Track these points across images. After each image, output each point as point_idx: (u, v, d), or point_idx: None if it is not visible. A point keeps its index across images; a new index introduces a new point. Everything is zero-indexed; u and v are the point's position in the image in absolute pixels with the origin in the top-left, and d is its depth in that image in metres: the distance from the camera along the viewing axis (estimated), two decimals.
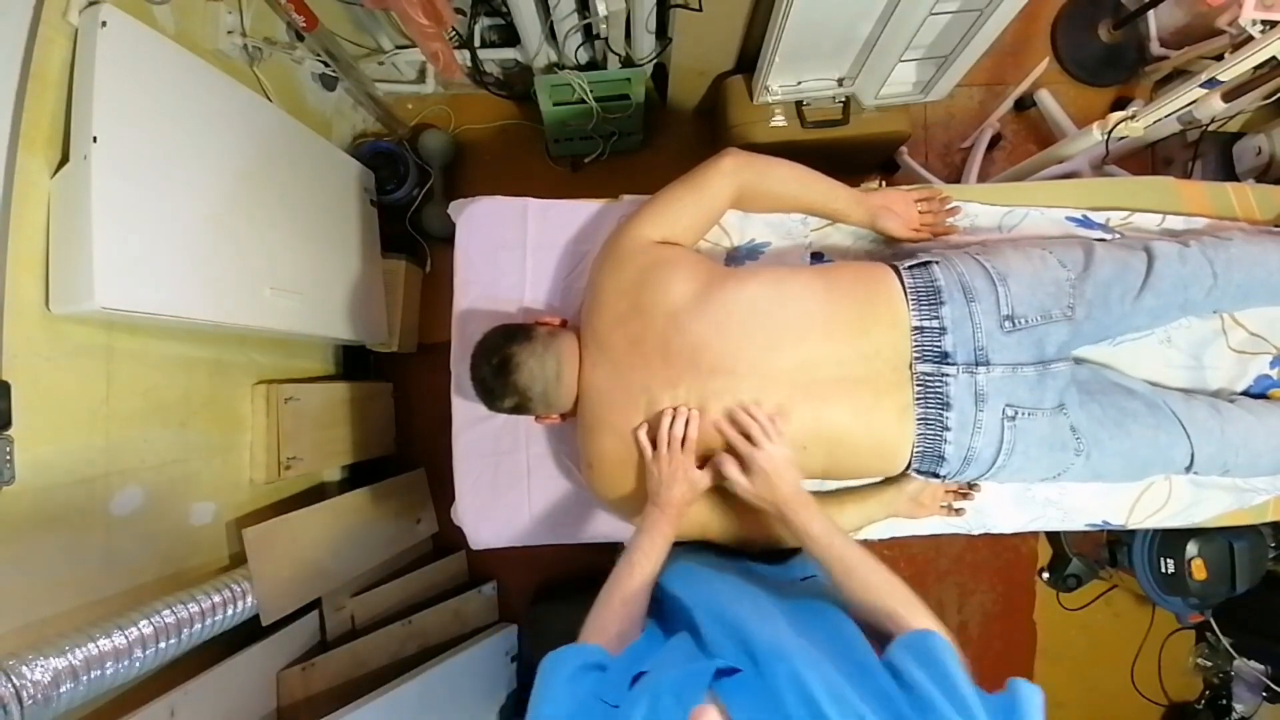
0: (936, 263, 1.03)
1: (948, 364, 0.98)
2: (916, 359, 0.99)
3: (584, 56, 1.86)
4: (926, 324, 0.99)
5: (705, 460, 1.00)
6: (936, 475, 1.04)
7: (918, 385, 0.99)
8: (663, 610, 0.90)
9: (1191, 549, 1.70)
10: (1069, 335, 1.01)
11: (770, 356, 0.98)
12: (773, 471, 0.92)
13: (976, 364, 0.98)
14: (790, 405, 0.97)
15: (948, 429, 0.98)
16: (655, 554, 0.92)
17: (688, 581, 0.91)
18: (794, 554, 1.10)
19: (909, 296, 1.01)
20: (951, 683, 0.66)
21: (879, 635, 0.78)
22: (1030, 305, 1.00)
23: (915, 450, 1.01)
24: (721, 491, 1.04)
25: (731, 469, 0.96)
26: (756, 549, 1.10)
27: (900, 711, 0.64)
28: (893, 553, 2.16)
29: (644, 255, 1.05)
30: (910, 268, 1.04)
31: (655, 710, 0.62)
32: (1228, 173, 1.90)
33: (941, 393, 0.98)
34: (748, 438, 0.95)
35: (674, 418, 0.97)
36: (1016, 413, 0.98)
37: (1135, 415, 1.05)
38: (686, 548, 1.07)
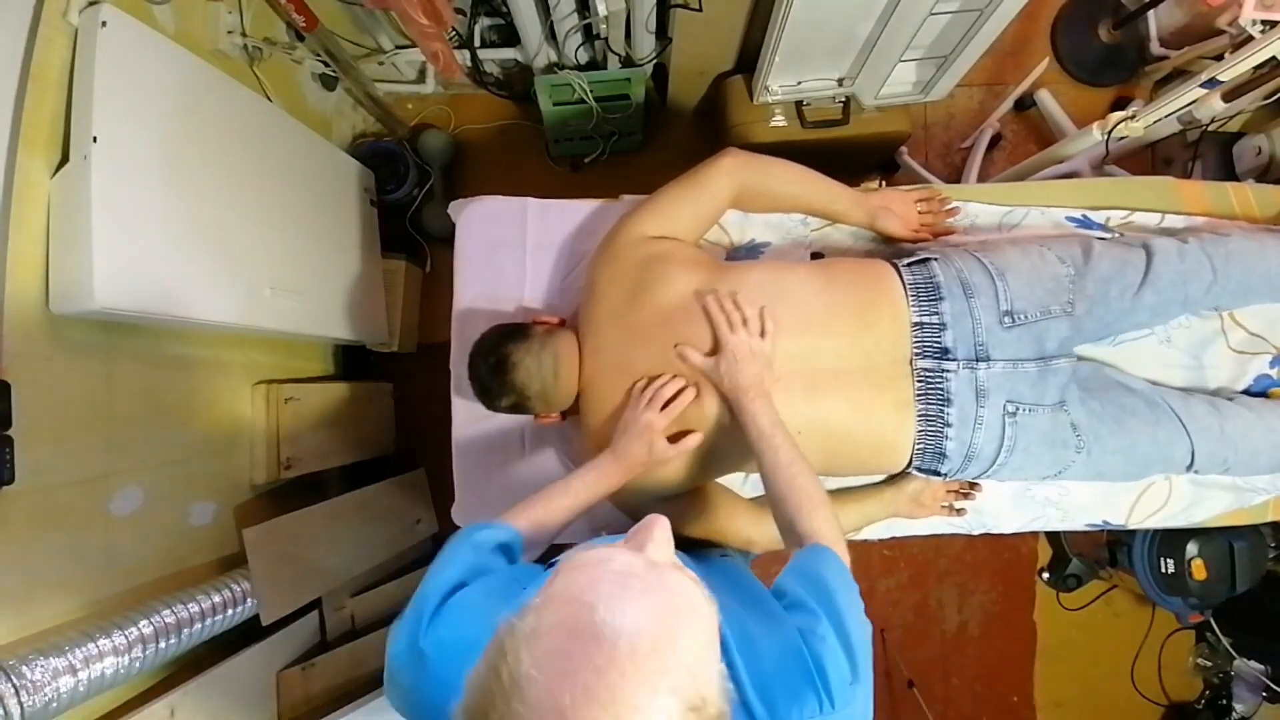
0: (935, 259, 1.04)
1: (948, 360, 0.98)
2: (917, 355, 0.99)
3: (584, 56, 1.86)
4: (926, 320, 0.99)
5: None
6: (938, 473, 1.04)
7: (918, 381, 0.99)
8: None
9: (1191, 549, 1.70)
10: (1069, 331, 1.01)
11: (776, 341, 0.97)
12: (741, 357, 0.93)
13: (977, 360, 0.98)
14: (789, 394, 0.97)
15: (949, 425, 0.98)
16: (595, 492, 0.92)
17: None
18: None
19: (908, 292, 1.01)
20: (826, 592, 0.68)
21: (789, 535, 0.81)
22: (1029, 301, 1.00)
23: (916, 447, 1.01)
24: (701, 490, 1.04)
25: (696, 355, 0.96)
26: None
27: (785, 627, 0.65)
28: (892, 553, 2.16)
29: (642, 249, 1.05)
30: (909, 264, 1.04)
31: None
32: (1228, 173, 1.90)
33: (942, 389, 0.98)
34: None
35: (669, 381, 0.97)
36: (1018, 409, 0.98)
37: (1135, 412, 1.05)
38: None
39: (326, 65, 1.69)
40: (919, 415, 0.99)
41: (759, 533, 1.09)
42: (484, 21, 1.82)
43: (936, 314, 0.99)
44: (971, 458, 1.00)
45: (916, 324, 0.99)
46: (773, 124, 1.77)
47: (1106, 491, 1.23)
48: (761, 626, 0.65)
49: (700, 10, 1.51)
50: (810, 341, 0.98)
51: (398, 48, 1.87)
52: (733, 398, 0.94)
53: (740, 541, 1.10)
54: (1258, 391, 1.21)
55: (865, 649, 0.65)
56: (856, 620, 0.67)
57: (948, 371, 0.98)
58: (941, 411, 0.98)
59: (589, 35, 1.76)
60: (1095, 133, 1.55)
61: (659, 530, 0.52)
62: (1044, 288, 1.01)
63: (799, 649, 0.61)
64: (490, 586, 0.67)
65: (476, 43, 1.84)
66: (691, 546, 1.08)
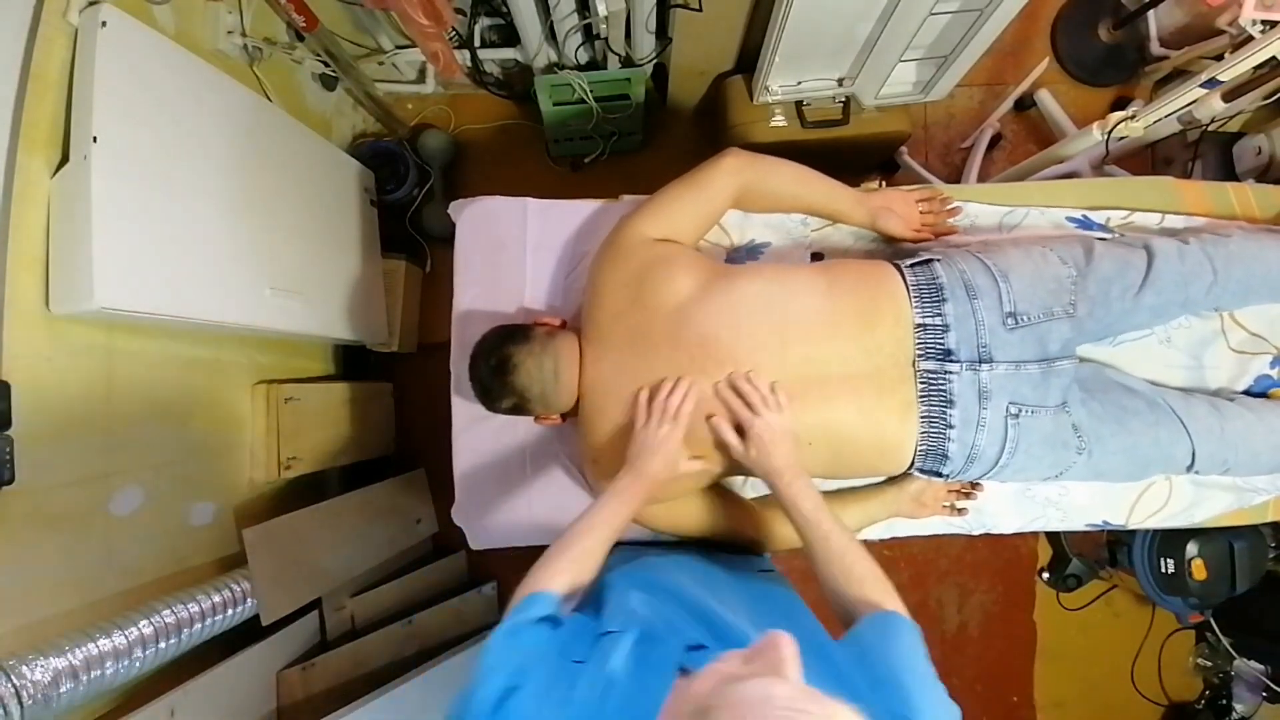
0: (938, 260, 1.03)
1: (951, 361, 0.98)
2: (920, 356, 0.99)
3: (584, 56, 1.86)
4: (929, 321, 0.99)
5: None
6: (939, 474, 1.04)
7: (921, 383, 0.99)
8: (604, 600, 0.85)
9: (1191, 549, 1.70)
10: (1071, 332, 1.01)
11: (777, 350, 0.98)
12: (769, 440, 0.92)
13: (980, 361, 0.98)
14: (798, 404, 0.97)
15: (951, 426, 0.98)
16: (618, 521, 0.89)
17: (645, 570, 0.88)
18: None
19: (911, 294, 1.01)
20: (909, 662, 0.67)
21: (850, 618, 0.78)
22: (1032, 302, 1.00)
23: (919, 449, 1.01)
24: (704, 491, 1.04)
25: (729, 433, 0.95)
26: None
27: (855, 688, 0.63)
28: (893, 553, 2.16)
29: (644, 251, 1.05)
30: (912, 265, 1.04)
31: (634, 668, 0.60)
32: (1228, 173, 1.90)
33: (945, 390, 0.98)
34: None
35: (675, 387, 0.96)
36: (1020, 410, 0.98)
37: (1136, 413, 1.05)
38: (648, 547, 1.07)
39: (326, 65, 1.68)
40: (922, 417, 0.99)
41: (762, 533, 1.09)
42: (484, 21, 1.82)
43: (939, 315, 0.99)
44: (974, 459, 1.00)
45: (919, 325, 0.99)
46: (773, 124, 1.77)
47: (1106, 492, 1.23)
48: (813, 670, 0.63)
49: (700, 10, 1.51)
50: (816, 347, 0.98)
51: (398, 48, 1.87)
52: (768, 481, 0.93)
53: (744, 542, 1.10)
54: (1258, 392, 1.21)
55: None
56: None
57: (950, 373, 0.98)
58: (944, 413, 0.98)
59: (589, 35, 1.76)
60: (1095, 133, 1.55)
61: (788, 650, 0.49)
62: (1046, 289, 1.01)
63: None
64: (542, 683, 0.63)
65: (476, 43, 1.84)
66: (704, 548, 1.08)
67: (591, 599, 0.79)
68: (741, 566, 1.02)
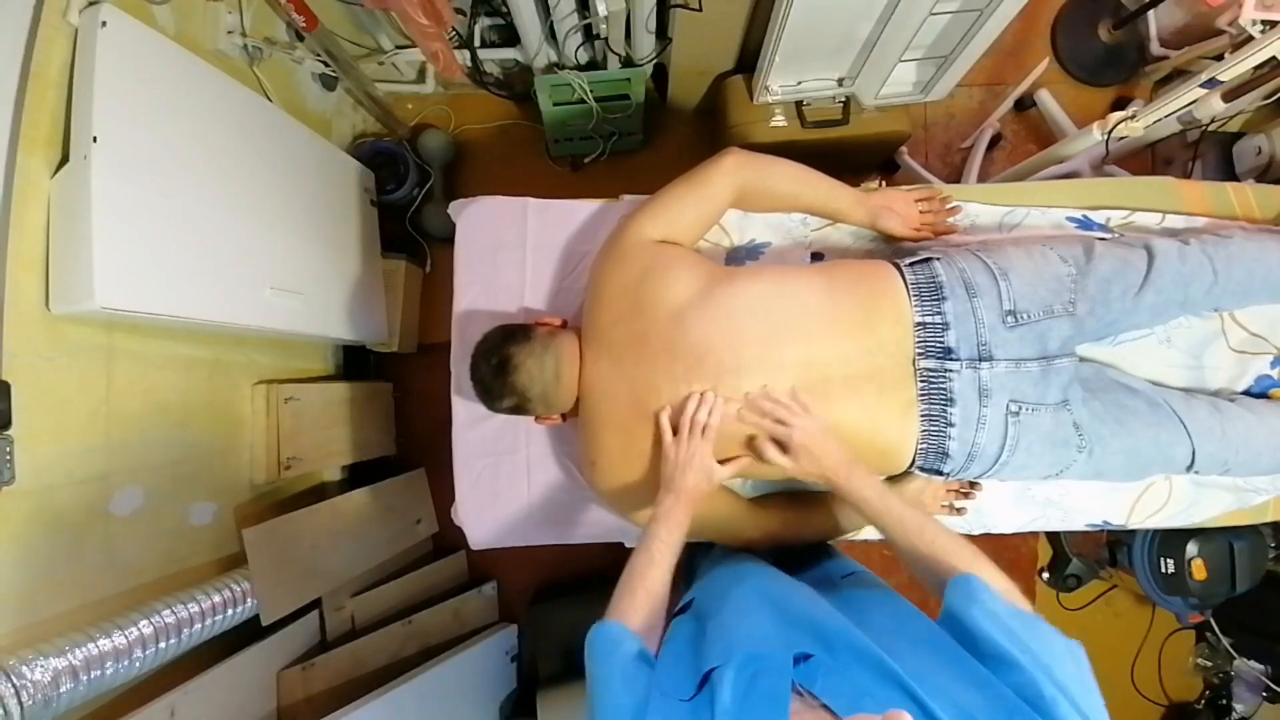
0: (938, 259, 1.04)
1: (951, 359, 0.98)
2: (920, 355, 0.99)
3: (584, 56, 1.86)
4: (929, 320, 0.99)
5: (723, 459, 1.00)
6: (940, 473, 1.04)
7: (921, 381, 0.99)
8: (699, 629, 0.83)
9: (1191, 549, 1.70)
10: (1071, 331, 1.01)
11: (777, 352, 0.97)
12: (812, 444, 0.93)
13: (980, 359, 0.98)
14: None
15: (951, 425, 0.98)
16: (674, 543, 0.90)
17: (733, 584, 0.88)
18: (819, 556, 1.11)
19: (911, 293, 1.01)
20: (994, 623, 0.66)
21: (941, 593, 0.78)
22: (1032, 300, 1.00)
23: (919, 447, 1.01)
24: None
25: (773, 452, 0.95)
26: (775, 549, 1.10)
27: (972, 670, 0.63)
28: (892, 553, 2.15)
29: (645, 254, 1.05)
30: (911, 264, 1.04)
31: (745, 700, 0.59)
32: (1228, 173, 1.90)
33: (945, 388, 0.98)
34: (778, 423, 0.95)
35: (699, 403, 0.96)
36: (1020, 408, 0.98)
37: (1136, 413, 1.05)
38: (725, 560, 1.07)
39: (326, 65, 1.69)
40: (922, 415, 0.99)
41: (757, 532, 1.10)
42: (484, 21, 1.82)
43: (939, 314, 0.99)
44: (974, 457, 1.00)
45: (919, 324, 0.99)
46: (773, 124, 1.77)
47: (1106, 492, 1.23)
48: (959, 684, 0.62)
49: (700, 10, 1.51)
50: (817, 347, 0.98)
51: (398, 48, 1.87)
52: (827, 484, 0.94)
53: (741, 543, 1.10)
54: (1258, 392, 1.21)
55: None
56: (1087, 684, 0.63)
57: (951, 371, 0.98)
58: (945, 411, 0.98)
59: (589, 35, 1.77)
60: (1095, 133, 1.55)
61: None
62: (1046, 287, 1.01)
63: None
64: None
65: (476, 43, 1.84)
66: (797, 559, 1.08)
67: (682, 630, 0.79)
68: (820, 576, 1.02)
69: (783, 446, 0.95)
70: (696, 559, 1.19)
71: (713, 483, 0.97)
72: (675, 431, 0.97)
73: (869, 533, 1.20)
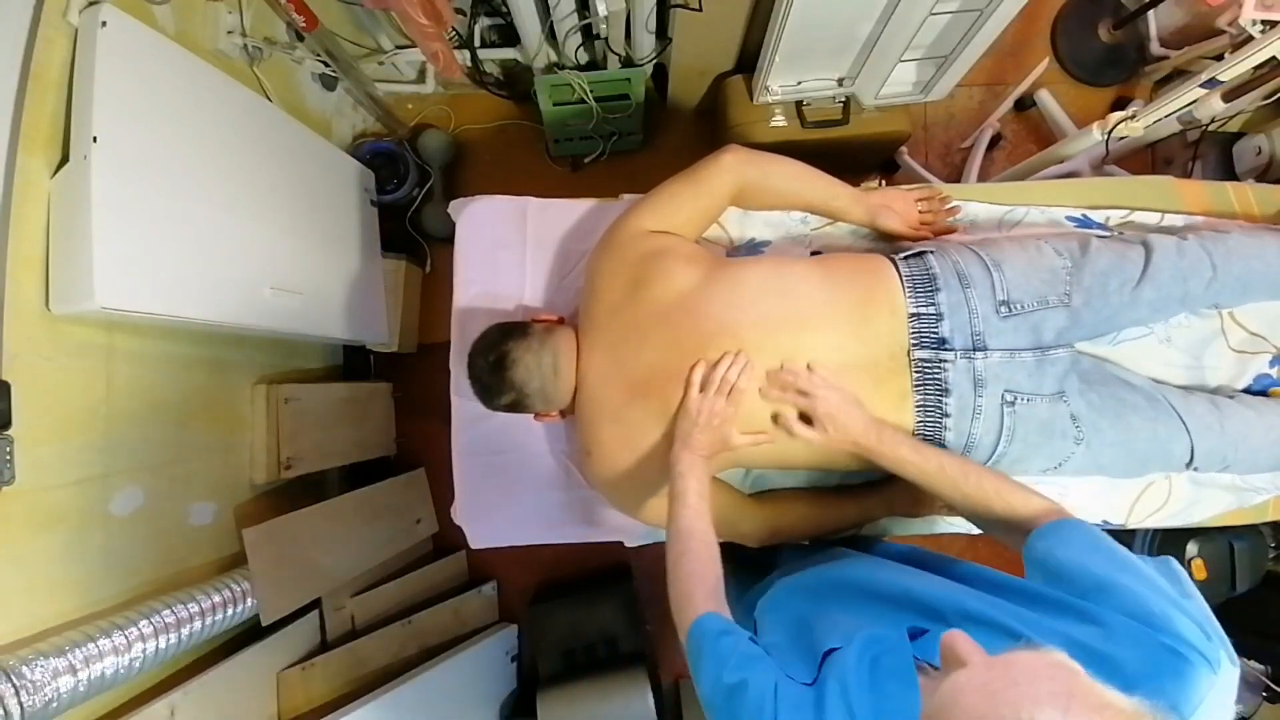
0: (931, 252, 1.05)
1: (945, 350, 0.98)
2: (914, 345, 0.99)
3: (584, 56, 1.86)
4: (923, 311, 0.99)
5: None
6: None
7: (916, 372, 0.99)
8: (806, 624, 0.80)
9: (1191, 549, 1.70)
10: (1067, 322, 1.02)
11: (778, 338, 0.98)
12: (837, 412, 0.92)
13: (974, 349, 0.98)
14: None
15: (947, 415, 0.98)
16: (706, 493, 0.89)
17: (828, 573, 0.87)
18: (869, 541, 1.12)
19: (905, 284, 1.01)
20: (1089, 558, 0.68)
21: (1009, 530, 0.81)
22: (1026, 291, 1.00)
23: (915, 436, 1.01)
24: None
25: (800, 427, 0.95)
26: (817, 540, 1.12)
27: (1064, 603, 0.65)
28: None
29: (641, 243, 1.05)
30: (906, 258, 1.05)
31: (873, 680, 0.59)
32: (1228, 173, 1.90)
33: (940, 379, 0.98)
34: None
35: (732, 362, 0.95)
36: (1015, 398, 0.98)
37: (1135, 407, 1.05)
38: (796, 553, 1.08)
39: (326, 65, 1.69)
40: (917, 405, 0.99)
41: (753, 526, 1.10)
42: (484, 21, 1.82)
43: (933, 305, 0.99)
44: (971, 448, 1.00)
45: (913, 315, 1.00)
46: (773, 124, 1.77)
47: (1106, 491, 1.23)
48: (1065, 620, 0.63)
49: (700, 10, 1.51)
50: (813, 336, 0.98)
51: (398, 48, 1.87)
52: (861, 450, 0.94)
53: (736, 537, 1.10)
54: (1258, 391, 1.21)
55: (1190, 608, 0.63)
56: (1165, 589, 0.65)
57: (945, 361, 0.98)
58: (940, 401, 0.98)
59: (589, 35, 1.77)
60: (1095, 133, 1.55)
61: (964, 642, 0.51)
62: (1040, 278, 1.01)
63: (1144, 635, 0.59)
64: (790, 703, 0.62)
65: (476, 43, 1.84)
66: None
67: (774, 619, 0.80)
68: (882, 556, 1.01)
69: (807, 420, 0.95)
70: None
71: (725, 444, 0.96)
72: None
73: (868, 531, 1.20)
